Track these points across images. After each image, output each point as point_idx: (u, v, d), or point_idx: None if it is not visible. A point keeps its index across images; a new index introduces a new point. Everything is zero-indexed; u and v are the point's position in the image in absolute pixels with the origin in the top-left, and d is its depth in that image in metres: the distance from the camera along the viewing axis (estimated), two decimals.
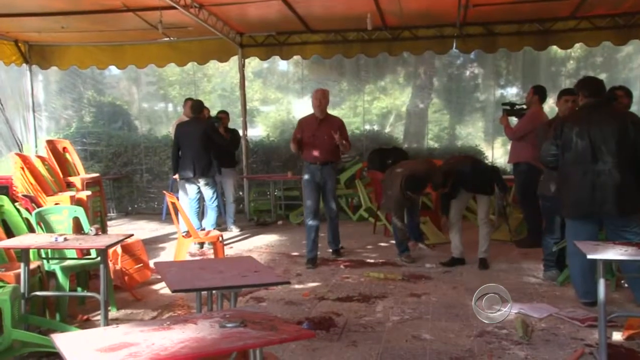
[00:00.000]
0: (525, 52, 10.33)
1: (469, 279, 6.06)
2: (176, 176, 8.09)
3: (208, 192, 7.85)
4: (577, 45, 9.73)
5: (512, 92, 11.52)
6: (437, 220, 8.23)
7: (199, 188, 7.85)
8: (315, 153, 6.78)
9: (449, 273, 6.35)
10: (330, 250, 7.29)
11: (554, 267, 5.96)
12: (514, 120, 7.70)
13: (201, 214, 8.31)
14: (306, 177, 6.90)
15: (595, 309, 4.36)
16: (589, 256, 3.61)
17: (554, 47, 9.77)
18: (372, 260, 7.00)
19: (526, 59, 10.92)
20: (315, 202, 6.87)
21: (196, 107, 7.90)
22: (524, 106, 7.57)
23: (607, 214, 4.75)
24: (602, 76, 8.05)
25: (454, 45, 9.76)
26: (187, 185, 7.90)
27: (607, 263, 4.29)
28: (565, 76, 11.25)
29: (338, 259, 7.10)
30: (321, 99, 6.77)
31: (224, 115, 9.19)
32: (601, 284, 3.65)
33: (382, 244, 7.99)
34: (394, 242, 7.27)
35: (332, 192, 6.97)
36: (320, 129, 6.76)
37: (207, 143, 7.72)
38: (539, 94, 7.31)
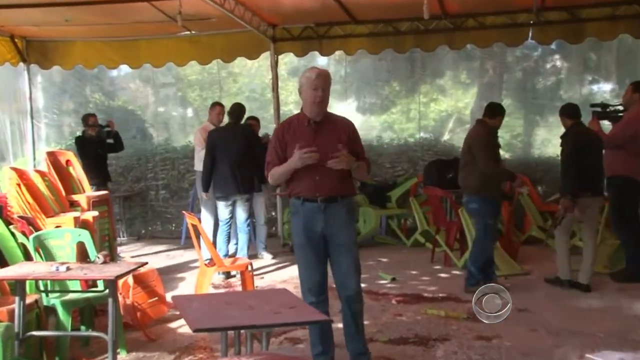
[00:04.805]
0: (621, 41, 10.13)
1: (550, 319, 5.92)
2: (204, 194, 8.14)
3: (244, 213, 7.96)
4: None
5: (604, 90, 11.33)
6: (509, 246, 8.11)
7: (232, 208, 7.92)
8: (313, 181, 4.51)
9: (525, 312, 6.21)
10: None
11: None
12: (607, 124, 7.57)
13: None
14: (297, 225, 4.63)
15: None
16: None
17: None
18: (430, 295, 6.93)
19: (622, 48, 10.72)
20: (316, 272, 4.62)
21: (236, 111, 8.07)
22: (620, 107, 7.43)
23: None
24: None
25: (530, 35, 9.64)
26: (221, 205, 7.95)
27: None
28: None
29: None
30: (321, 84, 4.48)
31: (254, 121, 9.28)
32: None
33: (442, 275, 7.91)
34: (457, 272, 7.15)
35: (348, 250, 4.58)
36: (319, 138, 4.54)
37: (249, 153, 7.79)
38: None
